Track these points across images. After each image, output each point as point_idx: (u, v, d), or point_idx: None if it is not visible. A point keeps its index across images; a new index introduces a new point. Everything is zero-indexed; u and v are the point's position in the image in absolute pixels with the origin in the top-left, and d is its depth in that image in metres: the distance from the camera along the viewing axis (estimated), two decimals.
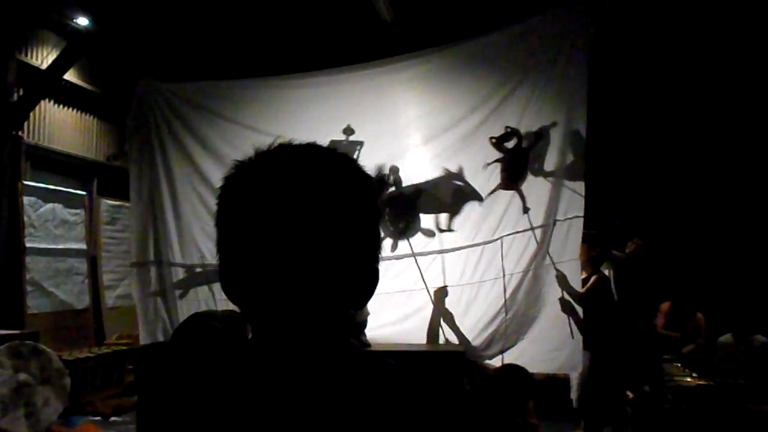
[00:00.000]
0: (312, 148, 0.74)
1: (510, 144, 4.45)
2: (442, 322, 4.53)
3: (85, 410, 5.95)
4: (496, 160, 4.48)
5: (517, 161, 4.44)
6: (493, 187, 4.50)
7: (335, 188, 0.70)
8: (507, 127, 4.45)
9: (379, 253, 0.77)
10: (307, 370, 0.71)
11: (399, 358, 0.78)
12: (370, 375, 0.75)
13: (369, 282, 0.74)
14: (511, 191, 4.45)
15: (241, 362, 0.74)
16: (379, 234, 0.76)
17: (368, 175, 0.75)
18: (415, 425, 0.74)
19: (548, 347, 4.30)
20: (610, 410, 4.66)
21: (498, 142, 4.46)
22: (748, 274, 6.42)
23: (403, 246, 4.64)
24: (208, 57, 7.08)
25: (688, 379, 4.85)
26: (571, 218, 4.25)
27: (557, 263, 4.27)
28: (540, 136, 4.36)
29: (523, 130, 4.43)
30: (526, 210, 4.37)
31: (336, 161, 0.74)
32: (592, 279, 4.56)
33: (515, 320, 4.32)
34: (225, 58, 6.92)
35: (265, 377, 0.70)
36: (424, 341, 4.49)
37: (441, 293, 4.54)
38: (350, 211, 0.70)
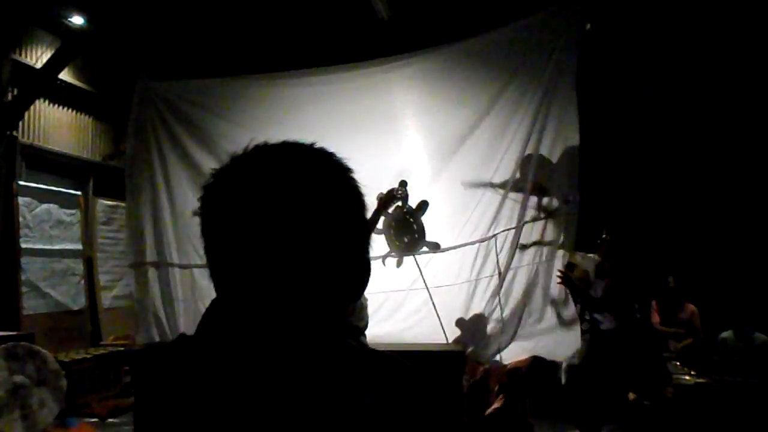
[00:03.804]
0: (287, 146, 0.74)
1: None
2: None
3: (82, 412, 5.93)
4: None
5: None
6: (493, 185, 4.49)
7: (314, 184, 0.70)
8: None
9: (369, 244, 0.77)
10: (305, 366, 0.70)
11: (354, 356, 0.77)
12: (371, 367, 0.75)
13: (361, 274, 0.75)
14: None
15: (239, 362, 0.73)
16: (365, 225, 0.76)
17: (347, 167, 0.75)
18: (415, 418, 0.73)
19: (541, 339, 4.33)
20: (608, 409, 4.65)
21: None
22: (748, 272, 6.42)
23: (408, 261, 4.63)
24: (204, 55, 7.05)
25: (687, 377, 4.84)
26: (561, 214, 4.26)
27: (548, 259, 4.29)
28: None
29: (516, 128, 4.42)
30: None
31: (313, 157, 0.74)
32: (576, 271, 4.61)
33: (510, 317, 4.32)
34: (221, 56, 6.89)
35: (262, 376, 0.70)
36: (424, 341, 4.48)
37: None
38: (332, 205, 0.71)
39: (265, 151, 0.74)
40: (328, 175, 0.73)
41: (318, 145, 0.75)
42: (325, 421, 0.68)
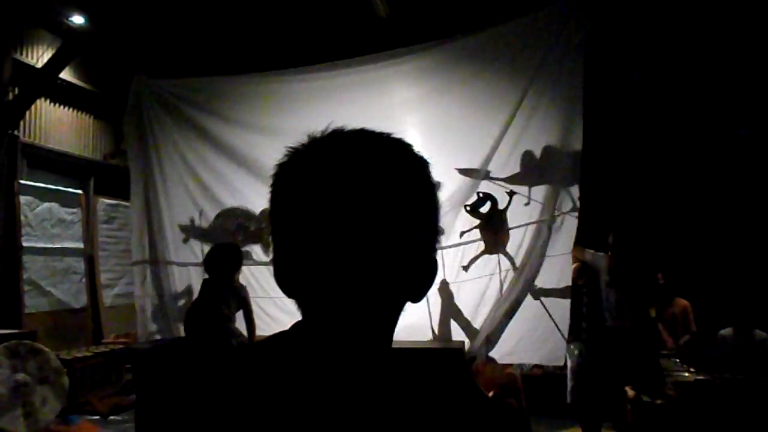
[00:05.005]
0: (366, 134, 0.72)
1: (484, 209, 4.42)
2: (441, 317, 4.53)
3: (83, 409, 5.95)
4: (475, 227, 4.46)
5: (494, 224, 4.41)
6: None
7: (393, 175, 0.67)
8: (479, 192, 4.41)
9: (438, 242, 0.74)
10: (361, 365, 0.68)
11: (397, 356, 0.76)
12: (430, 378, 0.73)
13: (428, 273, 0.72)
14: (495, 254, 4.43)
15: (248, 361, 0.72)
16: (437, 223, 0.73)
17: (425, 161, 0.72)
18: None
19: (534, 338, 4.35)
20: (607, 406, 4.66)
21: (472, 209, 4.41)
22: (748, 269, 6.42)
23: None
24: (203, 53, 7.06)
25: (686, 374, 4.84)
26: (565, 213, 4.27)
27: (550, 257, 4.30)
28: (513, 194, 4.35)
29: (517, 125, 4.42)
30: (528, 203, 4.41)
31: (392, 147, 0.71)
32: (574, 266, 4.60)
33: (507, 315, 4.34)
34: (221, 54, 6.89)
35: (314, 369, 0.67)
36: (422, 338, 4.49)
37: (444, 289, 4.54)
38: (408, 199, 0.68)
39: (343, 136, 0.71)
40: (407, 167, 0.70)
41: (396, 135, 0.72)
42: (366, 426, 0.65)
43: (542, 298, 4.32)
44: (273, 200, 0.71)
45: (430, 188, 0.71)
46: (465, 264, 4.49)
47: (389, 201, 0.66)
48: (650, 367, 4.65)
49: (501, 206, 4.39)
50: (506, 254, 4.39)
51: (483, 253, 4.46)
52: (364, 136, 0.71)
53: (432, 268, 0.72)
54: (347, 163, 0.67)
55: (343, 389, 0.66)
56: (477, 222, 4.44)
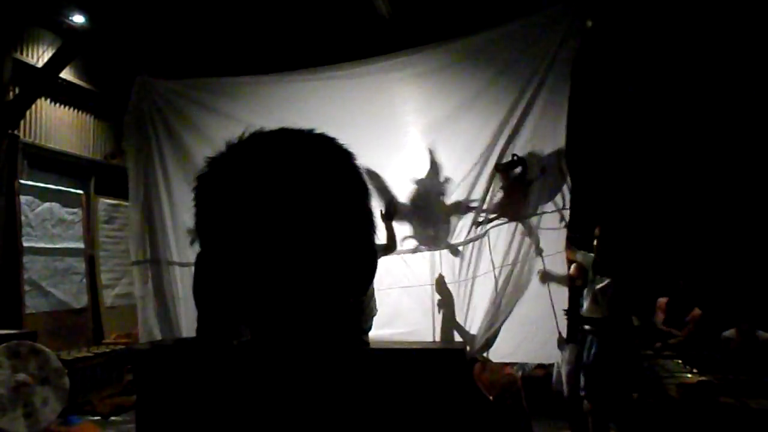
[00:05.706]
0: (286, 132, 0.71)
1: (515, 172, 4.40)
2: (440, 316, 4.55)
3: (84, 410, 5.95)
4: (501, 188, 4.46)
5: (517, 191, 4.39)
6: (493, 196, 4.50)
7: (315, 169, 0.67)
8: (514, 155, 4.39)
9: (375, 233, 0.72)
10: (310, 368, 0.68)
11: (397, 356, 0.74)
12: (377, 375, 0.72)
13: (367, 266, 0.71)
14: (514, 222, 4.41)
15: (243, 362, 0.72)
16: (370, 212, 0.72)
17: (349, 153, 0.71)
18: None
19: (534, 338, 4.35)
20: (608, 407, 4.64)
21: (504, 169, 4.41)
22: (751, 270, 6.42)
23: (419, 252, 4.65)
24: (205, 53, 7.06)
25: (689, 376, 4.84)
26: (558, 210, 4.27)
27: (544, 256, 4.30)
28: (544, 170, 4.33)
29: (510, 128, 4.42)
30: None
31: (313, 143, 0.70)
32: (572, 267, 4.61)
33: (505, 313, 4.34)
34: (222, 53, 6.89)
35: (266, 377, 0.67)
36: (417, 338, 4.50)
37: (441, 283, 4.55)
38: (335, 193, 0.67)
39: (262, 137, 0.70)
40: (329, 160, 0.69)
41: (318, 131, 0.71)
42: (325, 426, 0.66)
43: (540, 298, 4.32)
44: (197, 213, 0.70)
45: (356, 180, 0.70)
46: (480, 221, 4.48)
47: (312, 197, 0.65)
48: (629, 361, 4.62)
49: (530, 176, 4.34)
50: (524, 223, 4.35)
51: (499, 216, 4.45)
52: (283, 134, 0.70)
53: (370, 260, 0.71)
54: (266, 162, 0.66)
55: (291, 392, 0.66)
56: (503, 184, 4.43)
